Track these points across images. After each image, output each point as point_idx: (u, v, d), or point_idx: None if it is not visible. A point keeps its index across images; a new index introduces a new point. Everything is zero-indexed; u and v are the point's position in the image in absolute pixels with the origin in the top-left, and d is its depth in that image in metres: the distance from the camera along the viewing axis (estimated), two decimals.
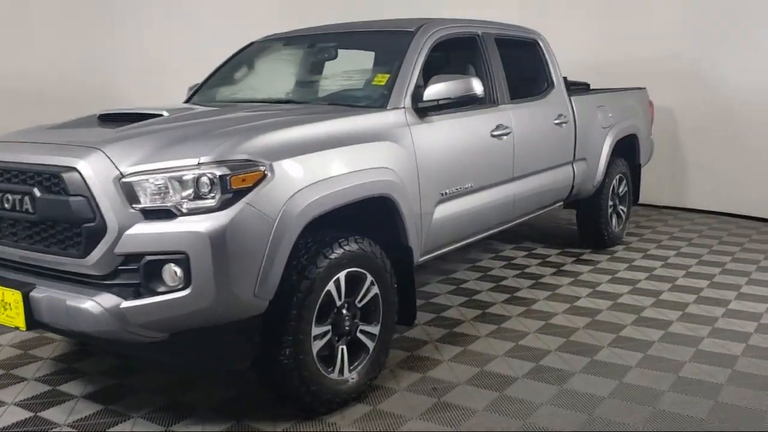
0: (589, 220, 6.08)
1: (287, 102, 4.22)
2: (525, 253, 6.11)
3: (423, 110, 3.82)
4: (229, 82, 4.70)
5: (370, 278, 3.33)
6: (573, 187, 5.53)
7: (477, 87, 3.84)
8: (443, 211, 3.96)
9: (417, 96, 3.81)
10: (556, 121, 5.18)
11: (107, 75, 7.28)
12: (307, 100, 4.34)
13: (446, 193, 3.95)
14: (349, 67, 4.49)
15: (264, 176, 2.85)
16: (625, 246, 6.30)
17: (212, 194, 2.75)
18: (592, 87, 6.57)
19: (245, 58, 4.81)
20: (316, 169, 3.09)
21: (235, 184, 2.77)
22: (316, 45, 4.69)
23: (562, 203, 5.67)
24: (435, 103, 3.80)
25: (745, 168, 7.38)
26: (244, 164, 2.82)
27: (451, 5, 6.56)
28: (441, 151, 3.90)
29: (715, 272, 5.45)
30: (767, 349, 3.92)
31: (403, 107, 3.75)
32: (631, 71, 7.64)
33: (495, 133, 4.37)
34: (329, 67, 4.70)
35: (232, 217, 2.73)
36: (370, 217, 3.53)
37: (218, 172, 2.75)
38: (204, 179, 2.74)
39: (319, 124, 3.34)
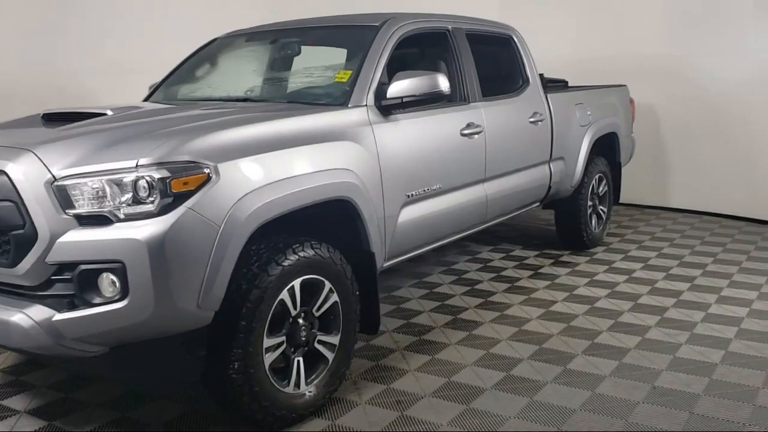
0: (567, 220, 5.92)
1: (245, 100, 4.02)
2: (502, 255, 5.94)
3: (387, 108, 3.64)
4: (189, 79, 4.50)
5: (328, 285, 3.16)
6: (550, 187, 5.36)
7: (443, 83, 3.66)
8: (409, 213, 3.78)
9: (380, 93, 3.62)
10: (532, 119, 5.00)
11: (71, 74, 7.06)
12: (266, 98, 4.15)
13: (412, 195, 3.77)
14: (312, 64, 4.30)
15: (208, 179, 2.67)
16: (605, 247, 6.15)
17: (151, 198, 2.56)
18: (572, 84, 6.41)
19: (207, 54, 4.61)
20: (267, 171, 2.90)
21: (176, 187, 2.58)
22: (279, 41, 4.50)
23: (539, 204, 5.51)
24: (399, 100, 3.62)
25: (729, 167, 7.25)
26: (186, 166, 2.63)
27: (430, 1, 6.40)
28: (406, 150, 3.72)
29: (696, 274, 5.30)
30: (747, 356, 3.77)
31: (366, 105, 3.57)
32: (616, 69, 7.51)
33: (465, 131, 4.20)
34: (291, 63, 4.51)
35: (172, 223, 2.54)
36: (330, 221, 3.36)
37: (157, 175, 2.56)
38: (142, 182, 2.56)
39: (272, 122, 3.15)
